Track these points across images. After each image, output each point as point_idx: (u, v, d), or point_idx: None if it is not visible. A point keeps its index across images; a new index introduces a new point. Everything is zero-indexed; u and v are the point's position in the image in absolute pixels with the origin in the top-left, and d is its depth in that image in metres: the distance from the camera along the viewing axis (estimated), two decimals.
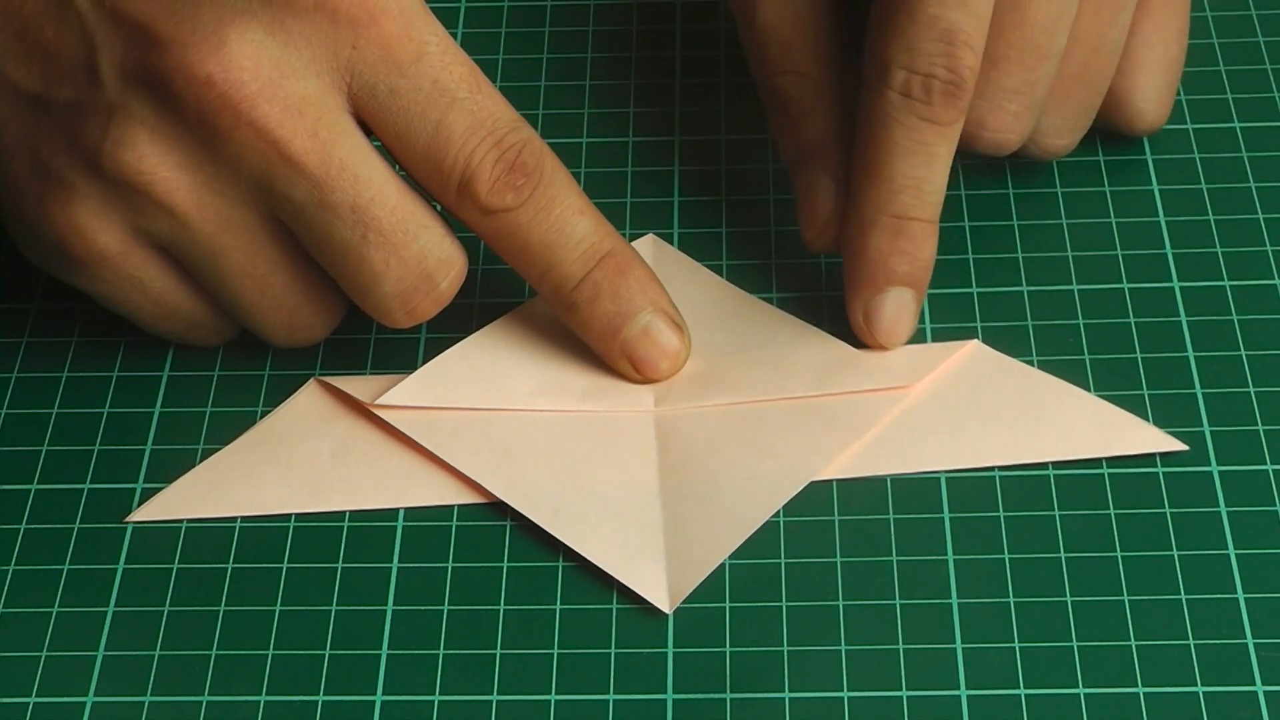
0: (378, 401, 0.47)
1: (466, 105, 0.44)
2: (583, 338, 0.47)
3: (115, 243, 0.44)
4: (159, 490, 0.46)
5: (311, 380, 0.48)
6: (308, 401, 0.48)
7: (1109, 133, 0.52)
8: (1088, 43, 0.48)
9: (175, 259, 0.45)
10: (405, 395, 0.47)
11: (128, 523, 0.46)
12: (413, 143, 0.44)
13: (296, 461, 0.47)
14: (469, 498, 0.46)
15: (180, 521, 0.46)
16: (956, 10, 0.45)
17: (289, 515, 0.46)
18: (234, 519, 0.46)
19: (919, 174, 0.46)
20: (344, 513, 0.46)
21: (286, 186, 0.43)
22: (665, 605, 0.43)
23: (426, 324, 0.48)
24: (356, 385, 0.48)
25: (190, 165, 0.43)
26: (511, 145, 0.44)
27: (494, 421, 0.47)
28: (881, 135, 0.46)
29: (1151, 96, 0.51)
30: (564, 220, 0.45)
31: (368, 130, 0.44)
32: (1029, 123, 0.48)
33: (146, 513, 0.46)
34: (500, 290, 0.50)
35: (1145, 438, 0.46)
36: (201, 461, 0.47)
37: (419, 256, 0.44)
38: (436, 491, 0.46)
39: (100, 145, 0.43)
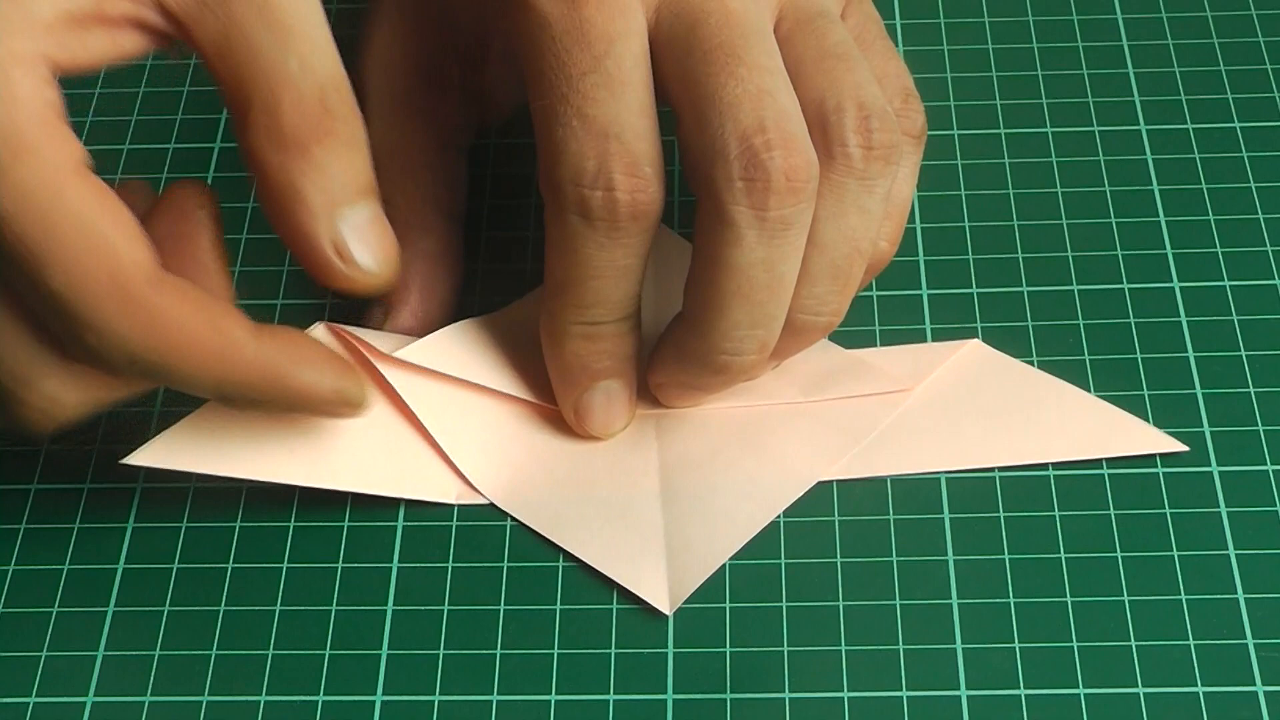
0: (394, 354, 0.45)
1: None
2: None
3: None
4: (159, 489, 0.46)
5: (319, 324, 0.46)
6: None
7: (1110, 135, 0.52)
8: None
9: None
10: (418, 355, 0.46)
11: (126, 463, 0.43)
12: None
13: (300, 423, 0.44)
14: (470, 498, 0.46)
15: (180, 522, 0.46)
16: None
17: (289, 515, 0.46)
18: (234, 519, 0.46)
19: (607, 290, 0.43)
20: (344, 512, 0.46)
21: None
22: (666, 607, 0.43)
23: None
24: (369, 338, 0.46)
25: None
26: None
27: (496, 420, 0.47)
28: (555, 250, 0.43)
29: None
30: None
31: None
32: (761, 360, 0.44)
33: (146, 457, 0.43)
34: (501, 290, 0.50)
35: (1145, 438, 0.46)
36: None
37: None
38: (439, 487, 0.46)
39: None
